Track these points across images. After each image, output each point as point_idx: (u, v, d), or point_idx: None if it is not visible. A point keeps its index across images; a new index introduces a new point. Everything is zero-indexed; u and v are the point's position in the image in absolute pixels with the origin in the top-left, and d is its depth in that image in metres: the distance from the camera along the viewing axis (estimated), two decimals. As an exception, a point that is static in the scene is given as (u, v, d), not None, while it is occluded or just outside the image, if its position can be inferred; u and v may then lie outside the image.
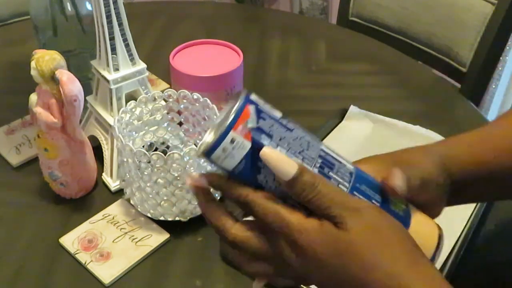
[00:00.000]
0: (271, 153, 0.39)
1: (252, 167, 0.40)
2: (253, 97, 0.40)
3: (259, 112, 0.39)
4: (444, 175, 0.48)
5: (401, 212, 0.44)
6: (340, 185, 0.42)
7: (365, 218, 0.39)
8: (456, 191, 0.49)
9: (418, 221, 0.45)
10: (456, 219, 0.69)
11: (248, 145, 0.39)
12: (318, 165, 0.41)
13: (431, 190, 0.47)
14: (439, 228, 0.46)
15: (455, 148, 0.51)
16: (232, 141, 0.39)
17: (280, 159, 0.39)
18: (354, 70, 1.03)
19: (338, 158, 0.42)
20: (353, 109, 0.88)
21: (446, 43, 1.19)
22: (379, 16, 1.28)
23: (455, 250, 0.65)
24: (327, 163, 0.42)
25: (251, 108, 0.39)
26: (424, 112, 0.92)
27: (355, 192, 0.42)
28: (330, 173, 0.41)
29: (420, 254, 0.40)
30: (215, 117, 0.69)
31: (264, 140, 0.39)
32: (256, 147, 0.39)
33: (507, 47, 1.59)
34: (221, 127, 0.39)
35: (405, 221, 0.44)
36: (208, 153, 0.39)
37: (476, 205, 0.71)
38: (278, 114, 0.41)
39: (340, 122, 0.86)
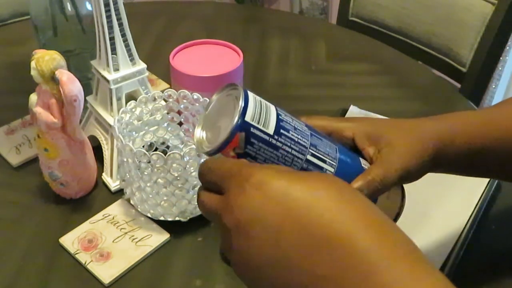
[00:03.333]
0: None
1: None
2: (249, 110, 0.40)
3: (248, 137, 0.40)
4: (433, 159, 0.49)
5: None
6: None
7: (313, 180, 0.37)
8: (442, 164, 0.50)
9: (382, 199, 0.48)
10: (456, 218, 0.69)
11: None
12: None
13: (406, 181, 0.49)
14: (403, 194, 0.50)
15: (454, 125, 0.52)
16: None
17: None
18: (354, 70, 1.03)
19: (320, 164, 0.44)
20: (353, 109, 0.88)
21: (446, 43, 1.19)
22: (379, 16, 1.28)
23: (456, 249, 0.65)
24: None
25: (241, 136, 0.40)
26: (424, 112, 0.91)
27: None
28: None
29: (381, 215, 0.35)
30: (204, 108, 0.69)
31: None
32: None
33: (507, 47, 1.59)
34: (211, 144, 0.42)
35: None
36: (207, 154, 0.42)
37: (476, 205, 0.71)
38: (272, 125, 0.41)
39: (340, 122, 0.86)
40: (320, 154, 0.44)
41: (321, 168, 0.44)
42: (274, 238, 0.34)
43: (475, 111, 0.55)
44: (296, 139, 0.42)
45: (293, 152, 0.42)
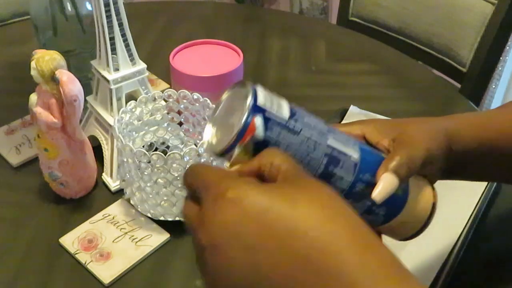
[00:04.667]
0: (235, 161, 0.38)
1: None
2: (260, 98, 0.39)
3: (266, 121, 0.38)
4: (446, 152, 0.48)
5: (399, 192, 0.45)
6: (344, 179, 0.42)
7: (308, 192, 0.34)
8: (456, 166, 0.50)
9: (414, 197, 0.47)
10: (456, 219, 0.69)
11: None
12: (323, 165, 0.41)
13: (429, 169, 0.48)
14: (434, 197, 0.48)
15: (459, 124, 0.51)
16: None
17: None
18: (354, 70, 1.03)
19: (344, 150, 0.42)
20: (353, 109, 0.88)
21: (446, 43, 1.19)
22: (379, 16, 1.28)
23: (456, 249, 0.65)
24: (333, 160, 0.42)
25: (257, 121, 0.38)
26: (424, 112, 0.92)
27: (357, 184, 0.43)
28: (335, 170, 0.42)
29: (369, 232, 0.33)
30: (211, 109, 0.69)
31: None
32: None
33: (507, 47, 1.59)
34: (226, 138, 0.38)
35: (400, 200, 0.46)
36: (216, 156, 0.40)
37: (476, 205, 0.71)
38: (285, 112, 0.40)
39: (340, 122, 0.86)
40: (341, 140, 0.42)
41: (345, 154, 0.42)
42: (253, 260, 0.32)
43: (478, 112, 0.55)
44: (313, 125, 0.41)
45: (313, 137, 0.40)
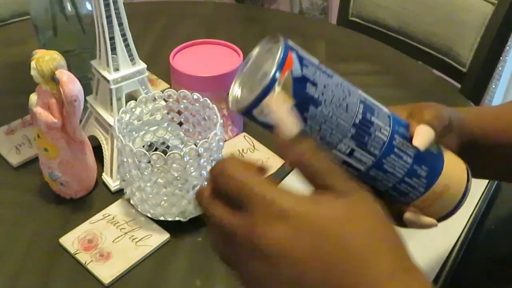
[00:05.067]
0: (274, 106, 0.36)
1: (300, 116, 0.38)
2: (291, 43, 0.38)
3: (301, 59, 0.37)
4: (457, 132, 0.48)
5: (435, 151, 0.44)
6: (382, 130, 0.41)
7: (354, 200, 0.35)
8: (461, 156, 0.49)
9: (450, 159, 0.45)
10: (456, 218, 0.69)
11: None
12: (361, 112, 0.40)
13: (451, 139, 0.47)
14: (466, 164, 0.47)
15: (465, 112, 0.51)
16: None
17: (283, 117, 0.36)
18: (354, 70, 1.03)
19: (374, 101, 0.42)
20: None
21: (446, 43, 1.19)
22: (379, 16, 1.28)
23: (456, 249, 0.65)
24: (368, 108, 0.41)
25: (293, 55, 0.37)
26: (424, 112, 0.92)
27: (395, 136, 0.42)
28: (372, 118, 0.41)
29: (407, 256, 0.35)
30: (211, 109, 0.68)
31: (310, 89, 0.37)
32: (303, 97, 0.37)
33: (507, 47, 1.59)
34: (263, 80, 0.36)
35: (439, 159, 0.45)
36: (248, 109, 0.37)
37: (476, 205, 0.71)
38: (315, 59, 0.39)
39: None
40: (368, 95, 0.41)
41: (376, 105, 0.41)
42: (299, 276, 0.33)
43: (483, 106, 0.56)
44: (340, 75, 0.40)
45: (345, 83, 0.39)
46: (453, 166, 0.46)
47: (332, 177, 0.35)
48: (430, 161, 0.44)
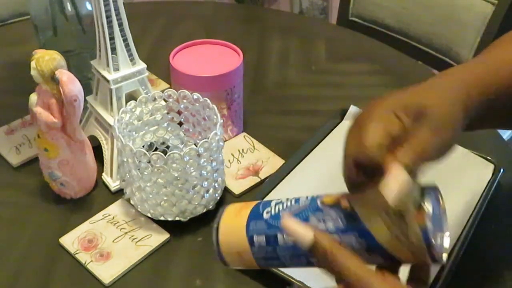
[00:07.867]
0: (288, 224, 0.41)
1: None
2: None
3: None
4: (464, 112, 0.47)
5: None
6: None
7: None
8: (472, 120, 0.49)
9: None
10: (456, 218, 0.69)
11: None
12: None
13: (446, 147, 0.47)
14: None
15: (464, 80, 0.50)
16: None
17: (295, 229, 0.41)
18: (354, 70, 1.03)
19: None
20: (353, 109, 0.88)
21: (446, 43, 1.19)
22: (379, 16, 1.28)
23: (456, 249, 0.65)
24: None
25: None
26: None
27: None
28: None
29: None
30: (211, 109, 0.69)
31: None
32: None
33: (507, 47, 1.59)
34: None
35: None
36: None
37: (476, 205, 0.71)
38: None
39: (340, 122, 0.86)
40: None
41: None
42: None
43: (475, 61, 0.55)
44: None
45: None
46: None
47: None
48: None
